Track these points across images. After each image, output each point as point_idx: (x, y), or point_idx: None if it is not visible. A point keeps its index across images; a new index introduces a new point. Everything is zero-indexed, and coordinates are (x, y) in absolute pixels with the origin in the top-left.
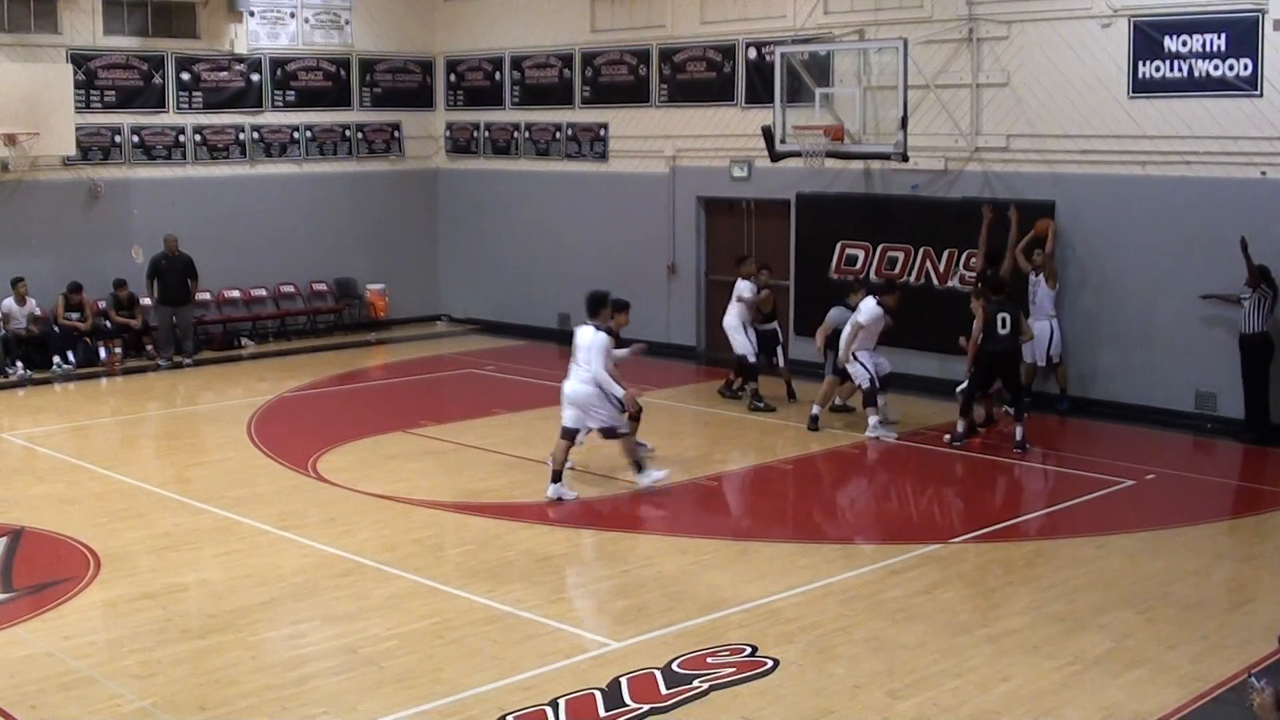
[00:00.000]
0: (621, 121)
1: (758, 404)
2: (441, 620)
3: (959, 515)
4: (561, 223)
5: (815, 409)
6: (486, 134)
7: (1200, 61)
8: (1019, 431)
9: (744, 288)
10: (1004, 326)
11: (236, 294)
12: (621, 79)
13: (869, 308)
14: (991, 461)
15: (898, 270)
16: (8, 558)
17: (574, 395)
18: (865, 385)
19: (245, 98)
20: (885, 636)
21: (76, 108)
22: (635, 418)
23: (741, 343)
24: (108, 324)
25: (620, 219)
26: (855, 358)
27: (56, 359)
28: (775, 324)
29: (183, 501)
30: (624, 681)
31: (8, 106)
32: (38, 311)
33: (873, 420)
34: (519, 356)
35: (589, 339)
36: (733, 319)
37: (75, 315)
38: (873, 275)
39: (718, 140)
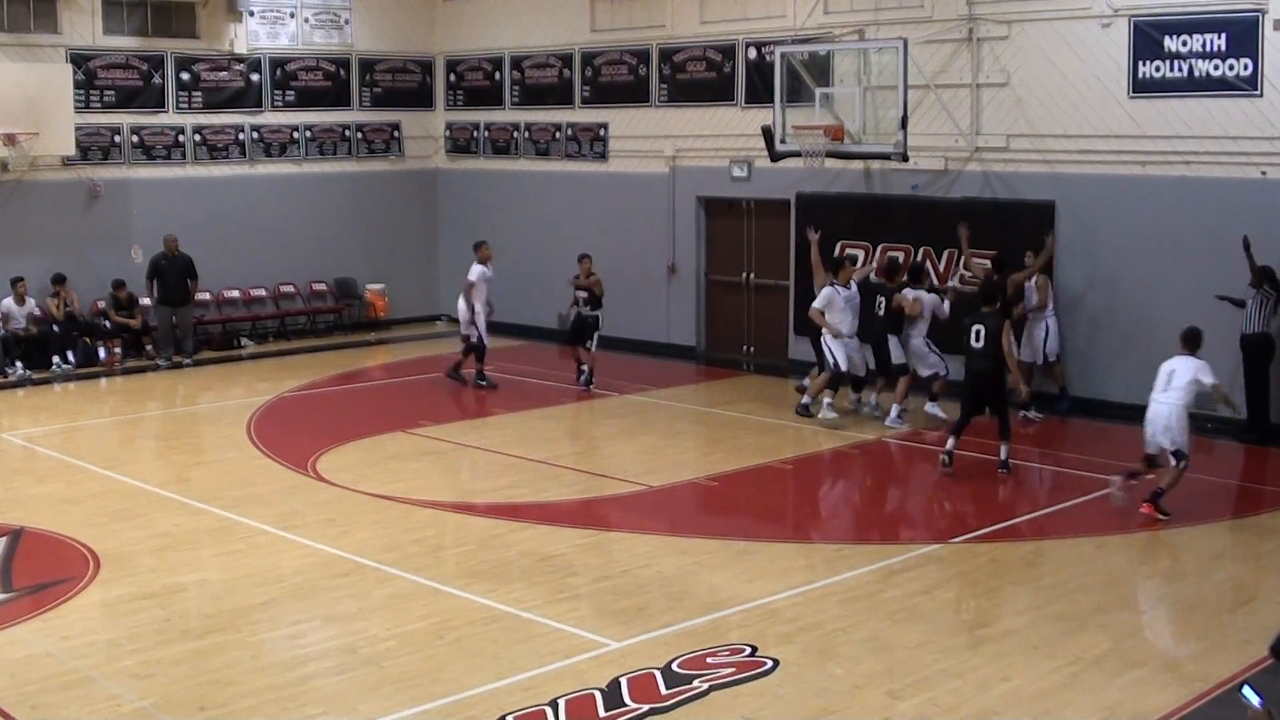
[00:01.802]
0: (621, 121)
1: (480, 382)
2: (441, 620)
3: (959, 515)
4: (561, 223)
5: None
6: (486, 134)
7: (1200, 61)
8: (1003, 450)
9: (475, 272)
10: (977, 340)
11: (236, 294)
12: (621, 79)
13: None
14: (991, 461)
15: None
16: (7, 558)
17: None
18: (830, 369)
19: (245, 98)
20: (885, 636)
21: (76, 108)
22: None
23: (468, 324)
24: (107, 324)
25: (620, 219)
26: (825, 342)
27: (56, 359)
28: (599, 312)
29: (182, 502)
30: (624, 681)
31: (7, 106)
32: (37, 311)
33: (826, 401)
34: (519, 356)
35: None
36: (462, 302)
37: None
38: (871, 276)
39: (718, 140)
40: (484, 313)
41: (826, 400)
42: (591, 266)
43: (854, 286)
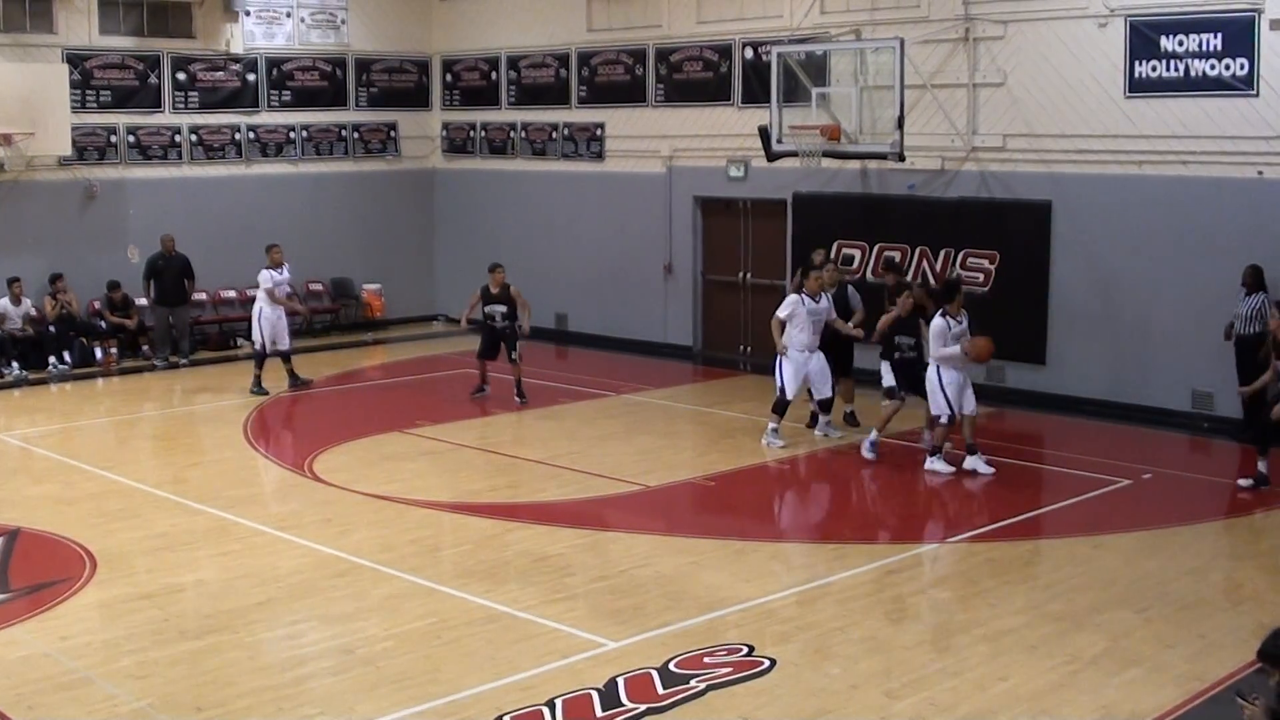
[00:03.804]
0: (618, 121)
1: (255, 388)
2: (438, 620)
3: (957, 515)
4: (558, 223)
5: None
6: (483, 134)
7: (1196, 61)
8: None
9: (264, 277)
10: None
11: (233, 294)
12: (618, 79)
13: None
14: (989, 462)
15: None
16: (4, 558)
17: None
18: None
19: (241, 97)
20: (882, 636)
21: (72, 107)
22: None
23: (256, 334)
24: (103, 324)
25: (617, 219)
26: (779, 362)
27: (52, 359)
28: (514, 322)
29: (179, 502)
30: (621, 681)
31: (3, 106)
32: (33, 312)
33: (771, 427)
34: None
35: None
36: (255, 309)
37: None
38: (869, 275)
39: (714, 140)
40: (272, 317)
41: (772, 426)
42: (504, 276)
43: (824, 299)
